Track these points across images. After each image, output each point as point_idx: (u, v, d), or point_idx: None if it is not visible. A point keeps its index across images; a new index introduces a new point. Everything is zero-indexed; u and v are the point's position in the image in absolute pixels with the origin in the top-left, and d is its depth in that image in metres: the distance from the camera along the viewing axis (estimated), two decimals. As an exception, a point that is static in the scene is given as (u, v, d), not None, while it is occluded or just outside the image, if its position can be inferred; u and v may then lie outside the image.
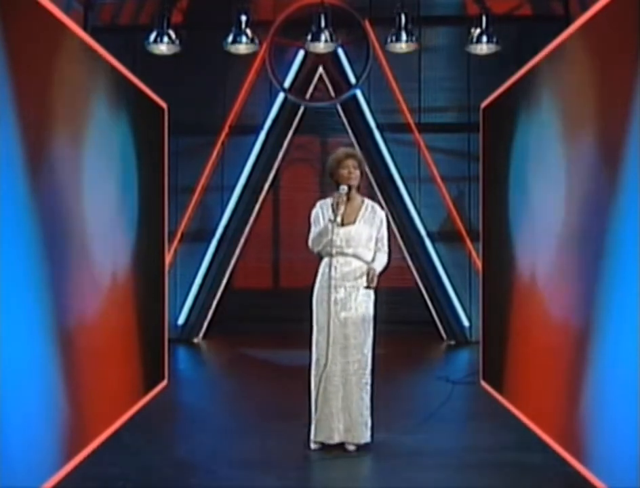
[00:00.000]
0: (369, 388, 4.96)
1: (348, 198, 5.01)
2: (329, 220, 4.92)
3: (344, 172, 4.98)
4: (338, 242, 4.93)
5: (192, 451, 5.01)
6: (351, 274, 4.94)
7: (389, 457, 4.85)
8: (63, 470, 4.36)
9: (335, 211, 4.93)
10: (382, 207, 5.19)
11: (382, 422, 5.12)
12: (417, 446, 5.09)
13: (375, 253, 5.01)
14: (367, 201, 5.09)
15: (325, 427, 4.91)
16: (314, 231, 5.01)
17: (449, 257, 9.75)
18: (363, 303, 4.96)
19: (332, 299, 4.91)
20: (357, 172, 5.00)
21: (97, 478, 4.42)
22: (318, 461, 4.82)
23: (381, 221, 5.05)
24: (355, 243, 4.94)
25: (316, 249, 5.02)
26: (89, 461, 4.63)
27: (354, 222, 4.98)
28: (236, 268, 10.07)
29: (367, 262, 4.97)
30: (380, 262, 5.02)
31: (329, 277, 4.92)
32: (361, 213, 5.01)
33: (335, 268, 4.93)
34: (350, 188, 4.97)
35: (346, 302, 4.93)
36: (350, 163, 4.99)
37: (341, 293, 4.93)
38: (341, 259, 4.94)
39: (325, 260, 4.99)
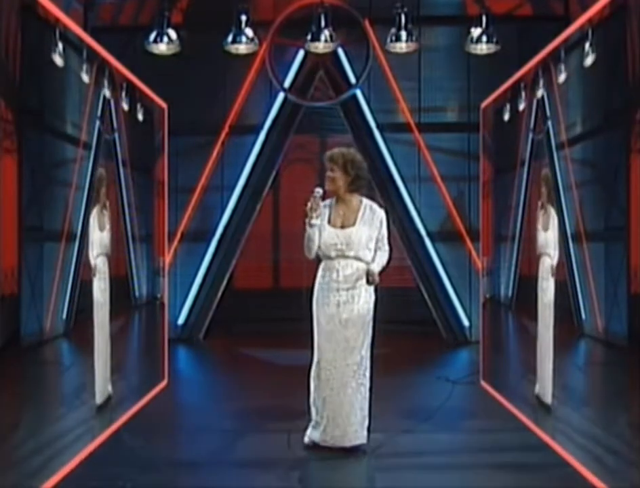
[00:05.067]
0: (365, 389, 4.95)
1: (337, 201, 4.97)
2: (307, 224, 4.88)
3: (325, 175, 4.98)
4: (339, 245, 4.90)
5: (192, 451, 5.01)
6: (353, 276, 4.91)
7: (389, 457, 4.85)
8: (63, 469, 4.36)
9: (309, 214, 4.87)
10: (381, 205, 5.13)
11: (381, 422, 5.12)
12: (417, 446, 5.09)
13: (375, 252, 4.99)
14: (366, 202, 5.03)
15: (322, 429, 4.92)
16: (304, 238, 4.95)
17: (449, 257, 9.74)
18: (365, 305, 4.94)
19: (334, 301, 4.90)
20: (335, 175, 4.92)
21: (97, 478, 4.41)
22: (318, 461, 4.82)
23: (380, 222, 4.99)
24: (356, 246, 4.90)
25: (312, 255, 4.97)
26: (89, 461, 4.63)
27: (353, 224, 4.94)
28: (236, 268, 10.06)
29: (367, 263, 4.94)
30: (380, 262, 4.99)
31: (331, 280, 4.92)
32: (360, 214, 4.96)
33: (337, 271, 4.91)
34: (324, 190, 4.93)
35: (347, 305, 4.91)
36: (328, 165, 4.97)
37: (343, 296, 4.91)
38: (342, 261, 4.92)
39: (326, 263, 4.97)
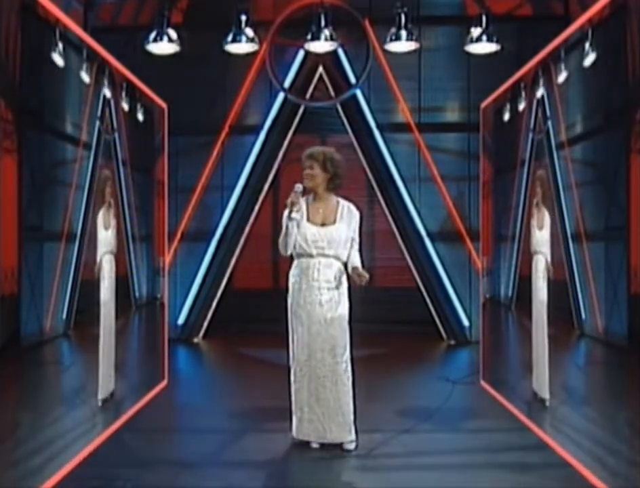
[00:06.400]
0: (351, 386, 4.99)
1: (315, 199, 5.00)
2: (287, 217, 4.91)
3: (303, 173, 5.00)
4: (320, 243, 4.92)
5: (192, 451, 5.01)
6: (332, 274, 4.94)
7: (389, 457, 4.85)
8: (63, 469, 4.36)
9: (290, 208, 4.90)
10: (358, 208, 5.13)
11: (382, 422, 5.12)
12: (417, 446, 5.09)
13: (349, 251, 5.00)
14: (343, 202, 5.07)
15: (316, 427, 4.94)
16: (282, 233, 4.98)
17: (449, 257, 9.74)
18: (344, 303, 4.99)
19: (317, 300, 4.92)
20: (315, 172, 4.96)
21: (97, 478, 4.41)
22: (318, 460, 4.82)
23: (356, 223, 5.04)
24: (336, 244, 4.94)
25: (288, 251, 4.98)
26: (89, 461, 4.63)
27: (334, 223, 4.98)
28: (236, 268, 10.06)
29: (343, 263, 4.98)
30: (358, 260, 5.02)
31: (312, 279, 4.92)
32: (339, 213, 5.00)
33: (318, 269, 4.93)
34: (304, 188, 4.95)
35: (331, 303, 4.93)
36: (307, 163, 4.99)
37: (325, 295, 4.93)
38: (323, 260, 4.94)
39: (302, 262, 4.97)
